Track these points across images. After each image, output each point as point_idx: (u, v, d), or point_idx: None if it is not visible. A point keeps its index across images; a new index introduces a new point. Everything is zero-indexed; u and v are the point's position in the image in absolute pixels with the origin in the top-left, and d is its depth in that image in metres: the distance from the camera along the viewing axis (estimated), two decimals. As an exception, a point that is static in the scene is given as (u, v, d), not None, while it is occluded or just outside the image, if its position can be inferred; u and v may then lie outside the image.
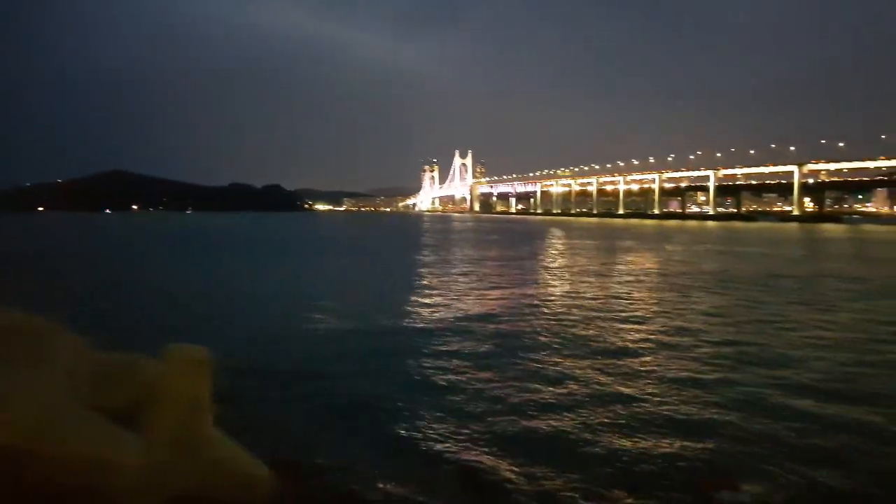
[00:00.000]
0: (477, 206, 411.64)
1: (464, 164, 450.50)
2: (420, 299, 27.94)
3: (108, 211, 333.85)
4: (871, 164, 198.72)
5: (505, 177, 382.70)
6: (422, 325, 22.00)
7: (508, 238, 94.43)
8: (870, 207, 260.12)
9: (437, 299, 28.16)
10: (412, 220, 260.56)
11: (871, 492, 9.41)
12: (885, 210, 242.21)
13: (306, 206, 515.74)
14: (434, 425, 11.71)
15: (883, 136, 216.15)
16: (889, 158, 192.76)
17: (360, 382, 14.38)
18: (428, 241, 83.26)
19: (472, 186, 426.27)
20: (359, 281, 36.67)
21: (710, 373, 15.77)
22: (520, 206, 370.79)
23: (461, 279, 36.73)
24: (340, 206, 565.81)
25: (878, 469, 10.13)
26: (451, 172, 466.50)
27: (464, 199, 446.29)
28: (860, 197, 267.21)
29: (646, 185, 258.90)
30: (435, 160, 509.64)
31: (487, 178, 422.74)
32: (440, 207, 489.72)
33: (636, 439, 11.20)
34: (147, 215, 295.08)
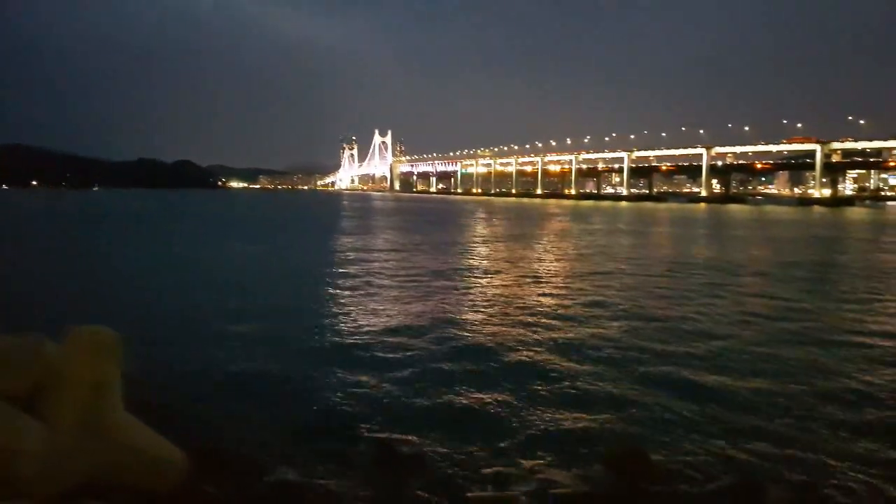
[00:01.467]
0: (397, 185, 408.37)
1: (384, 143, 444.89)
2: (341, 291, 26.39)
3: (4, 187, 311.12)
4: (773, 148, 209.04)
5: (425, 156, 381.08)
6: (341, 317, 20.77)
7: (432, 220, 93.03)
8: (772, 189, 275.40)
9: (357, 281, 27.55)
10: (331, 198, 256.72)
11: (770, 459, 9.86)
12: (786, 192, 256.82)
13: (220, 183, 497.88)
14: (351, 403, 11.92)
15: (784, 122, 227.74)
16: (790, 143, 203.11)
17: (273, 365, 14.29)
18: (347, 225, 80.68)
19: (392, 165, 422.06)
20: (271, 269, 34.55)
21: (620, 352, 16.30)
22: (440, 186, 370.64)
23: (384, 266, 35.30)
24: (256, 183, 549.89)
25: (778, 435, 10.79)
26: (371, 151, 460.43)
27: (384, 177, 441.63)
28: (763, 179, 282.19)
29: (563, 167, 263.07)
30: (354, 138, 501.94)
31: (408, 157, 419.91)
32: (360, 186, 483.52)
33: (550, 412, 11.65)
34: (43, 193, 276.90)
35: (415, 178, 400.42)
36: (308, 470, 8.95)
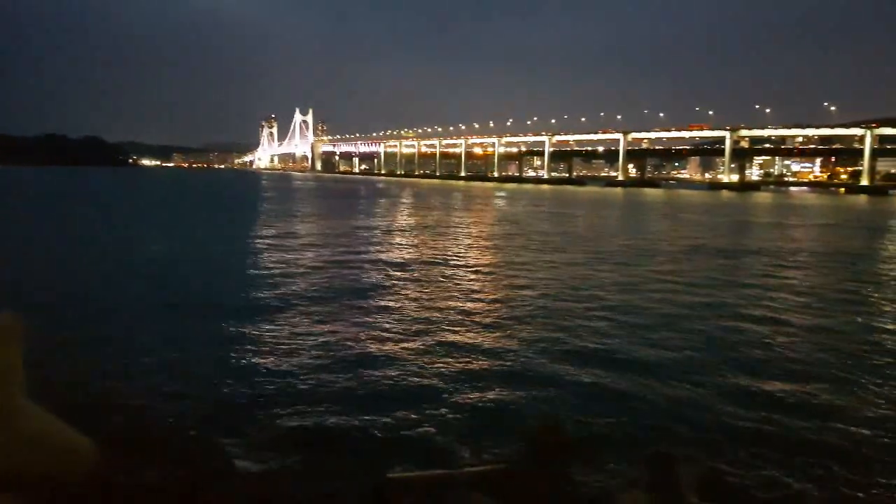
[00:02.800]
0: (319, 166, 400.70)
1: (305, 122, 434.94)
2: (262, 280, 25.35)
3: None
4: (686, 135, 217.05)
5: (348, 136, 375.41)
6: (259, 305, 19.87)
7: (357, 203, 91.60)
8: (684, 174, 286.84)
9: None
10: (249, 178, 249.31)
11: (678, 427, 10.52)
12: (697, 177, 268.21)
13: (130, 160, 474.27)
14: (267, 386, 11.71)
15: (697, 109, 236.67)
16: (701, 129, 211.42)
17: (184, 354, 13.82)
18: (268, 209, 78.23)
19: (313, 144, 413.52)
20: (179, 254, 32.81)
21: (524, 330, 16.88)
22: (363, 167, 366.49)
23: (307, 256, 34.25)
24: (170, 161, 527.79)
25: (686, 402, 11.65)
26: (292, 129, 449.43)
27: (305, 157, 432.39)
28: (676, 164, 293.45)
29: (487, 150, 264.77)
30: (274, 116, 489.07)
31: (329, 137, 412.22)
32: (279, 165, 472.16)
33: (471, 390, 11.84)
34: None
35: (337, 158, 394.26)
36: (222, 454, 8.85)
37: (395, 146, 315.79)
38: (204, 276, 24.72)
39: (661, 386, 12.52)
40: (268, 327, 16.24)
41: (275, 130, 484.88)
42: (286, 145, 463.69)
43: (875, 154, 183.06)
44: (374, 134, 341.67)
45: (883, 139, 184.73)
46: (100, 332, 15.40)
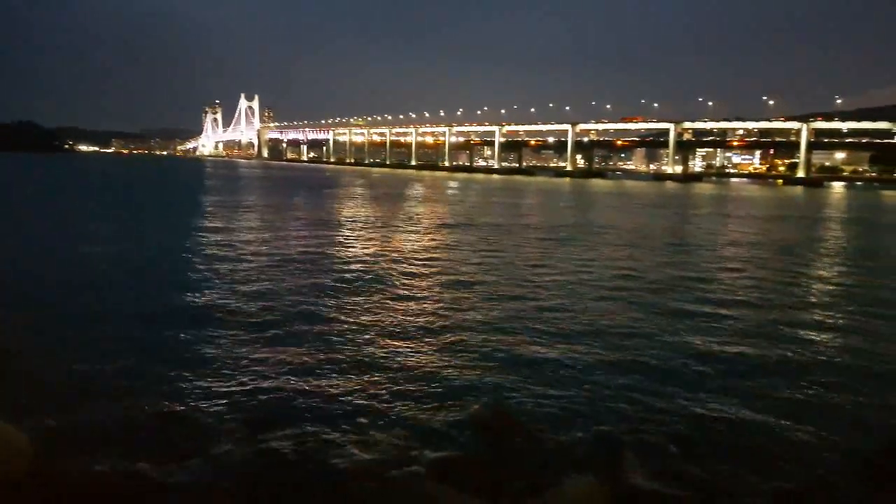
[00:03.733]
0: (265, 153, 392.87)
1: (250, 108, 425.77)
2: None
3: None
4: (632, 126, 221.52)
5: (296, 123, 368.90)
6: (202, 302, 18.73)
7: (307, 194, 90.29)
8: (630, 165, 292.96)
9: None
10: (191, 165, 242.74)
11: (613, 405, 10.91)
12: (643, 168, 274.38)
13: (67, 146, 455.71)
14: (198, 385, 11.44)
15: (643, 101, 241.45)
16: (647, 121, 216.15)
17: (116, 352, 13.13)
18: (212, 200, 76.27)
19: (259, 131, 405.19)
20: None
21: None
22: (311, 155, 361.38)
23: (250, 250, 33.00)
24: (109, 147, 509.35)
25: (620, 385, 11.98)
26: (237, 116, 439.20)
27: (251, 144, 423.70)
28: (623, 156, 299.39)
29: (438, 139, 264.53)
30: (218, 102, 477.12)
31: (276, 124, 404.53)
32: (224, 152, 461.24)
33: (414, 379, 11.85)
34: None
35: (284, 145, 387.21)
36: (153, 455, 8.58)
37: (345, 134, 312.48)
38: (129, 280, 21.11)
39: (609, 368, 12.93)
40: (206, 338, 14.37)
41: (219, 116, 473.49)
42: (231, 132, 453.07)
43: (811, 147, 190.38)
44: (323, 121, 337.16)
45: (818, 133, 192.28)
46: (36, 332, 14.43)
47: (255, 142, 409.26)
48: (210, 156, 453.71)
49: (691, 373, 12.96)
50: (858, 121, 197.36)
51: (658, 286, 22.31)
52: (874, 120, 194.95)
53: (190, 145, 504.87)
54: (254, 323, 15.60)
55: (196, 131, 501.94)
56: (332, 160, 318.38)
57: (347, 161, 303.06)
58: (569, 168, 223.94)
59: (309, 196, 72.03)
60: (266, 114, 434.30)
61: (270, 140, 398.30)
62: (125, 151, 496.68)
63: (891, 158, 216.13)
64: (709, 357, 14.06)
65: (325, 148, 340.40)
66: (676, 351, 14.42)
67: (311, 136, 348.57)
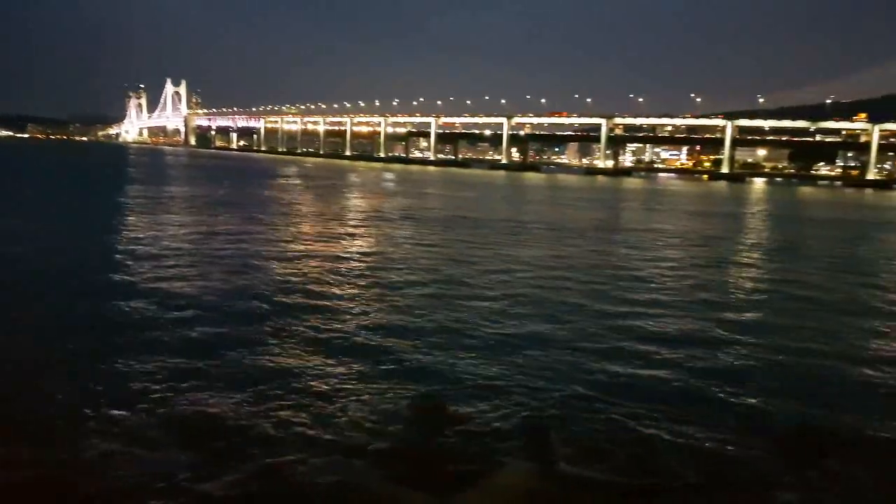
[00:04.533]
0: (193, 140, 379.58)
1: (177, 93, 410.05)
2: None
3: None
4: (565, 121, 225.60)
5: (225, 109, 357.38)
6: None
7: (239, 186, 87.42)
8: (563, 159, 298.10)
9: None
10: (113, 151, 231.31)
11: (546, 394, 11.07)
12: (576, 162, 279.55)
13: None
14: (129, 370, 11.25)
15: (576, 95, 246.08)
16: (580, 116, 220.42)
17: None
18: (132, 190, 72.70)
19: (186, 118, 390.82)
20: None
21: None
22: (242, 143, 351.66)
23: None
24: (24, 132, 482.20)
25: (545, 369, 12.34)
26: (163, 101, 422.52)
27: (177, 131, 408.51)
28: (556, 149, 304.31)
29: (374, 129, 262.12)
30: (142, 86, 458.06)
31: (205, 111, 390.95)
32: (149, 139, 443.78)
33: (346, 371, 11.80)
34: None
35: (213, 133, 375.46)
36: (85, 440, 8.49)
37: (277, 122, 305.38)
38: (29, 286, 18.13)
39: (538, 355, 13.18)
40: (115, 348, 12.80)
41: (143, 102, 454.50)
42: (156, 118, 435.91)
43: (735, 144, 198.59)
44: (254, 109, 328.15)
45: (742, 130, 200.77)
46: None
47: (182, 129, 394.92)
48: (134, 142, 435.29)
49: (619, 357, 13.39)
50: (779, 119, 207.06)
51: (591, 277, 22.66)
52: (793, 118, 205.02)
53: (112, 131, 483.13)
54: (172, 332, 13.96)
55: (119, 117, 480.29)
56: (263, 149, 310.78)
57: (279, 150, 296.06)
58: (504, 161, 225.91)
59: (238, 187, 67.86)
60: (194, 100, 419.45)
61: (199, 127, 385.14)
62: (41, 136, 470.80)
63: (808, 155, 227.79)
64: (641, 341, 14.54)
65: (255, 136, 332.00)
66: (608, 338, 14.78)
67: (242, 123, 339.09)
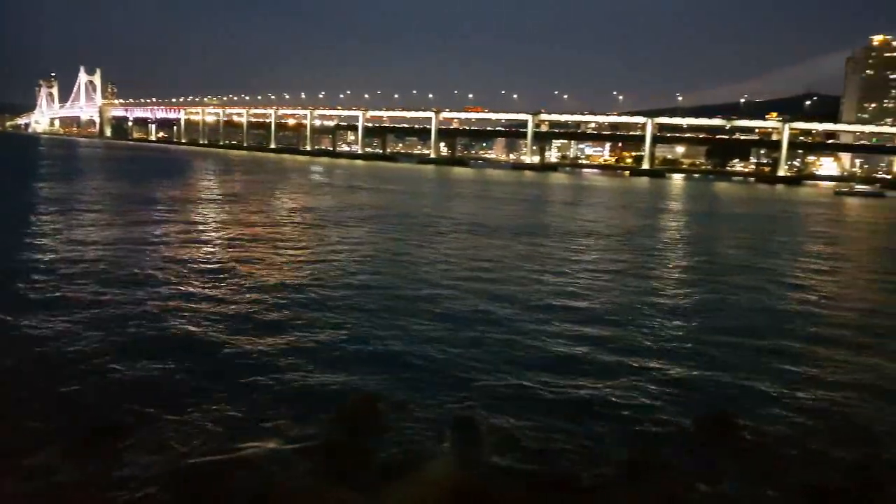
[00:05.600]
0: (108, 132, 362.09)
1: (91, 82, 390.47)
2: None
3: None
4: (493, 116, 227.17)
5: (143, 100, 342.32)
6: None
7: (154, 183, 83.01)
8: (491, 154, 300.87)
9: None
10: (21, 143, 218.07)
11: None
12: (503, 157, 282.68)
13: None
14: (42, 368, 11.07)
15: (503, 92, 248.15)
16: (507, 112, 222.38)
17: None
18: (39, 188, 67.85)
19: (102, 108, 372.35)
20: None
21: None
22: (161, 134, 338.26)
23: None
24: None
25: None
26: (76, 91, 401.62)
27: (92, 121, 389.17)
28: (484, 144, 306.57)
29: (300, 121, 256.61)
30: (53, 74, 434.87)
31: (121, 101, 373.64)
32: (61, 130, 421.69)
33: (282, 372, 11.61)
34: None
35: (130, 124, 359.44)
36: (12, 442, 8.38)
37: (198, 113, 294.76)
38: None
39: (464, 350, 13.36)
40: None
41: (55, 91, 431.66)
42: (69, 108, 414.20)
43: (655, 140, 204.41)
44: (174, 100, 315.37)
45: (662, 127, 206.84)
46: None
47: (97, 119, 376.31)
48: (45, 133, 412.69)
49: (544, 347, 13.83)
50: (697, 117, 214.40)
51: (513, 272, 22.97)
52: (710, 117, 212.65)
53: (21, 121, 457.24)
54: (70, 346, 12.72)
55: (29, 106, 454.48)
56: (183, 141, 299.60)
57: (201, 142, 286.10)
58: (432, 155, 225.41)
59: (155, 183, 61.71)
60: (109, 89, 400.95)
61: (115, 118, 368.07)
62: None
63: (724, 152, 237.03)
64: (566, 333, 15.03)
65: (175, 128, 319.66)
66: (534, 330, 15.15)
67: (161, 114, 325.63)
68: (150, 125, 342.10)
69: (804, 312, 19.26)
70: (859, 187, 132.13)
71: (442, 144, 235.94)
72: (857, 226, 59.21)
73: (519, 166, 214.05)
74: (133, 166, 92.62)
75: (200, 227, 30.95)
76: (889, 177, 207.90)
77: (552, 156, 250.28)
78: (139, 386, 10.76)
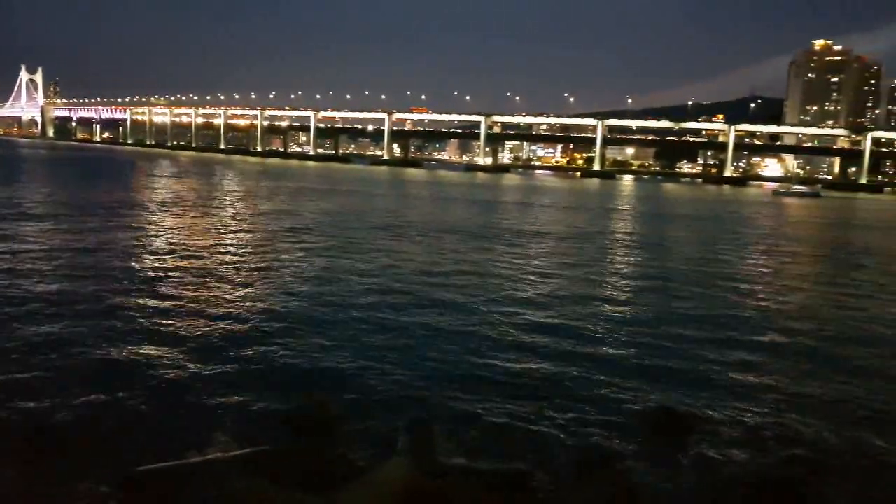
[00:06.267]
0: (51, 132, 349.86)
1: (32, 81, 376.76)
2: None
3: None
4: (446, 117, 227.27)
5: (87, 100, 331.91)
6: None
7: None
8: (444, 155, 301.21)
9: None
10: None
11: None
12: (457, 158, 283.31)
13: None
14: None
15: (455, 93, 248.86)
16: (460, 114, 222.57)
17: None
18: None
19: (44, 108, 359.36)
20: None
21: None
22: (106, 135, 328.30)
23: None
24: None
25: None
26: (16, 90, 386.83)
27: (34, 122, 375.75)
28: (438, 146, 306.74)
29: (250, 122, 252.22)
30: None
31: (65, 100, 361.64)
32: (0, 131, 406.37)
33: (222, 381, 11.40)
34: None
35: (74, 124, 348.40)
36: None
37: (144, 113, 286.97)
38: None
39: (416, 351, 13.44)
40: None
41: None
42: (9, 107, 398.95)
43: (605, 142, 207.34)
44: (120, 99, 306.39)
45: (612, 129, 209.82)
46: None
47: (39, 120, 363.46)
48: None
49: (495, 348, 13.96)
50: (646, 119, 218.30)
51: (463, 274, 23.02)
52: (659, 119, 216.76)
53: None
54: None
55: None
56: (130, 142, 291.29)
57: (148, 143, 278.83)
58: (386, 156, 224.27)
59: (97, 187, 57.65)
60: (52, 89, 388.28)
61: (58, 118, 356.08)
62: None
63: (672, 154, 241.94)
64: (516, 333, 15.22)
65: (121, 128, 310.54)
66: (485, 331, 15.30)
67: (107, 115, 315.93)
68: (94, 125, 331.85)
69: (750, 306, 20.36)
70: (796, 188, 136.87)
71: (395, 146, 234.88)
72: (797, 223, 61.28)
73: (472, 167, 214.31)
74: (73, 168, 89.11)
75: (140, 236, 28.74)
76: (830, 177, 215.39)
77: (505, 157, 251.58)
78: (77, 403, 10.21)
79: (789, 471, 8.77)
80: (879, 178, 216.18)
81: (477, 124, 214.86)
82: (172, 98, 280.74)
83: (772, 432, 10.34)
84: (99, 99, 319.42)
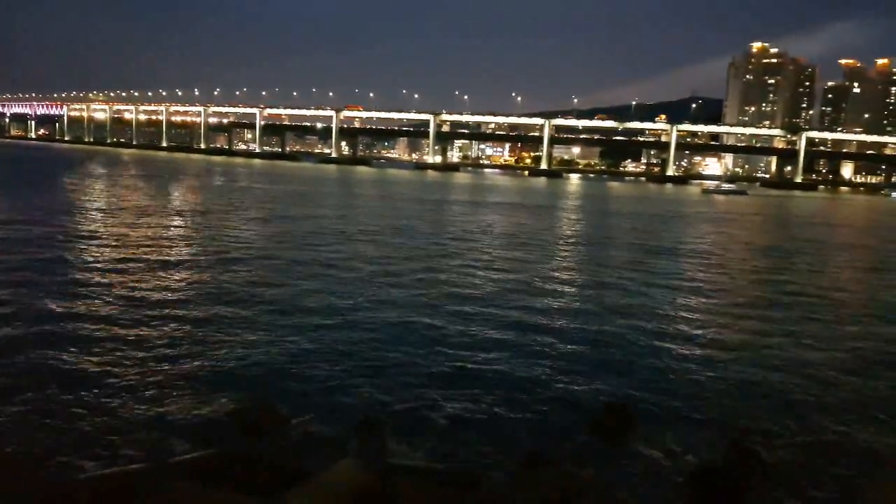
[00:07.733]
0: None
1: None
2: None
3: None
4: (395, 116, 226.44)
5: (21, 95, 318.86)
6: None
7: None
8: (394, 154, 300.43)
9: None
10: None
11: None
12: (406, 157, 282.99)
13: None
14: None
15: (404, 91, 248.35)
16: (409, 112, 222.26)
17: None
18: None
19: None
20: None
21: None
22: (42, 132, 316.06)
23: None
24: None
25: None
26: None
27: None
28: (386, 144, 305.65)
29: (193, 119, 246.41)
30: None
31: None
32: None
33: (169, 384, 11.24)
34: None
35: (7, 120, 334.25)
36: None
37: (82, 109, 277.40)
38: None
39: (363, 352, 13.27)
40: None
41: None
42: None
43: (552, 142, 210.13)
44: (56, 95, 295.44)
45: (559, 129, 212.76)
46: None
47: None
48: None
49: (446, 346, 13.94)
50: (591, 119, 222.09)
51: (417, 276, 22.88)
52: (604, 119, 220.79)
53: None
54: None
55: None
56: (67, 138, 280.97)
57: (86, 140, 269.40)
58: (334, 155, 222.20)
59: (28, 187, 53.59)
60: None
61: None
62: None
63: (617, 153, 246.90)
64: (468, 331, 15.36)
65: (58, 125, 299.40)
66: (437, 329, 15.31)
67: (42, 110, 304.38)
68: (29, 122, 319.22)
69: (690, 296, 21.69)
70: (725, 186, 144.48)
71: (344, 144, 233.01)
72: (727, 217, 63.57)
73: (422, 166, 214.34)
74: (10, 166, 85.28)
75: (80, 239, 27.31)
76: (768, 176, 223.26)
77: (454, 156, 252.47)
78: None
79: (727, 463, 8.94)
80: (814, 176, 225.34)
81: (426, 123, 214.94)
82: (112, 94, 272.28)
83: (720, 424, 10.59)
84: (34, 94, 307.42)
